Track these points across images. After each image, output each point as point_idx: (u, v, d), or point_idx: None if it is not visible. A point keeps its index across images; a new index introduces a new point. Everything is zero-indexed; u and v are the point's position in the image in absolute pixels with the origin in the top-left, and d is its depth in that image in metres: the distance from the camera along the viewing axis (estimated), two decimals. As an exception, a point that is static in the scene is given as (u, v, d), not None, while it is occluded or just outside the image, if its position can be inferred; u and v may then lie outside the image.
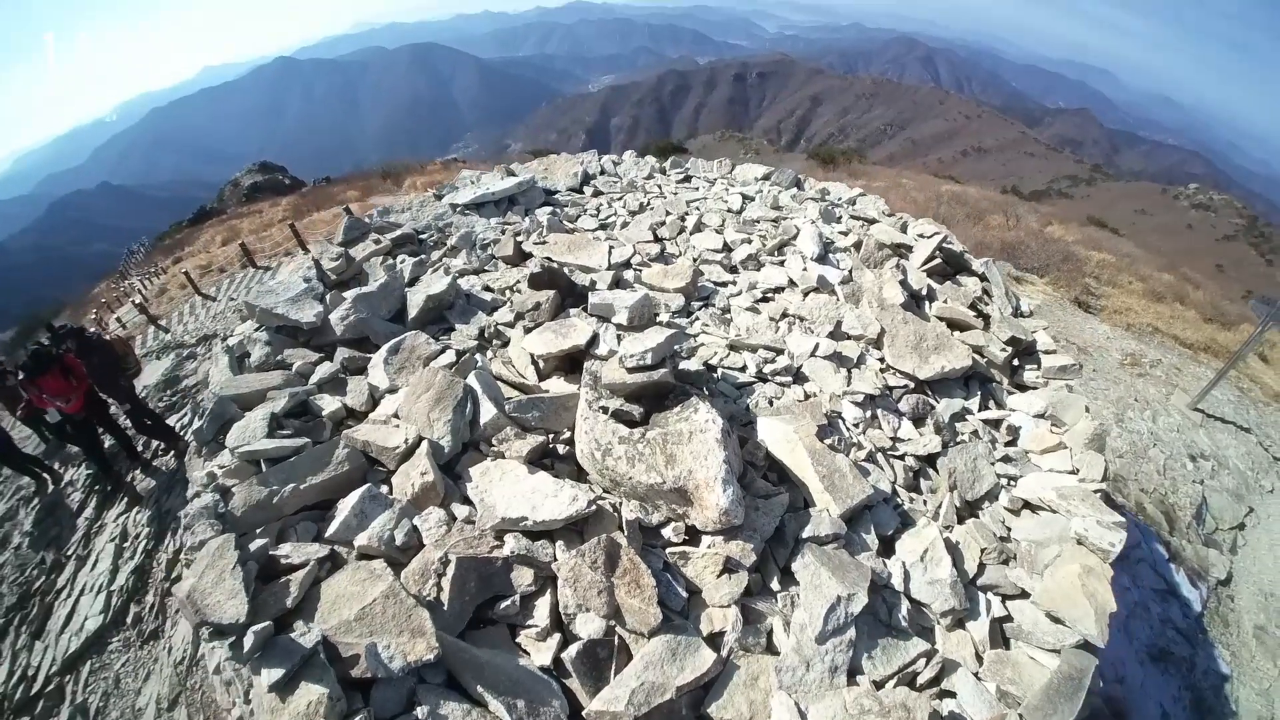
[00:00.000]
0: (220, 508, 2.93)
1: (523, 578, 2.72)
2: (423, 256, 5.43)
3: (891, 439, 3.90)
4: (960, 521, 3.54)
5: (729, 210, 6.45)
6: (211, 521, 2.82)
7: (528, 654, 2.57)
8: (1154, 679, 6.39)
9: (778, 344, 4.36)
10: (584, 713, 2.39)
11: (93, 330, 8.29)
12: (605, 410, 3.11)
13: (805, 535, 2.95)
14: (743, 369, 4.16)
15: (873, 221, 6.58)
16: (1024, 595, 3.15)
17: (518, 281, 4.83)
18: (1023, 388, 4.82)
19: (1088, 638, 2.84)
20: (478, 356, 3.95)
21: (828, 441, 3.50)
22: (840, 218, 6.61)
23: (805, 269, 5.24)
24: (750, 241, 5.78)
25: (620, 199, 6.71)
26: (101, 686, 6.11)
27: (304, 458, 3.15)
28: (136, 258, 28.26)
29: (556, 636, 2.59)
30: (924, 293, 5.30)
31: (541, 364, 3.79)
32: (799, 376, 4.22)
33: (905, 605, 2.92)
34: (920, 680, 2.65)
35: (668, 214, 6.21)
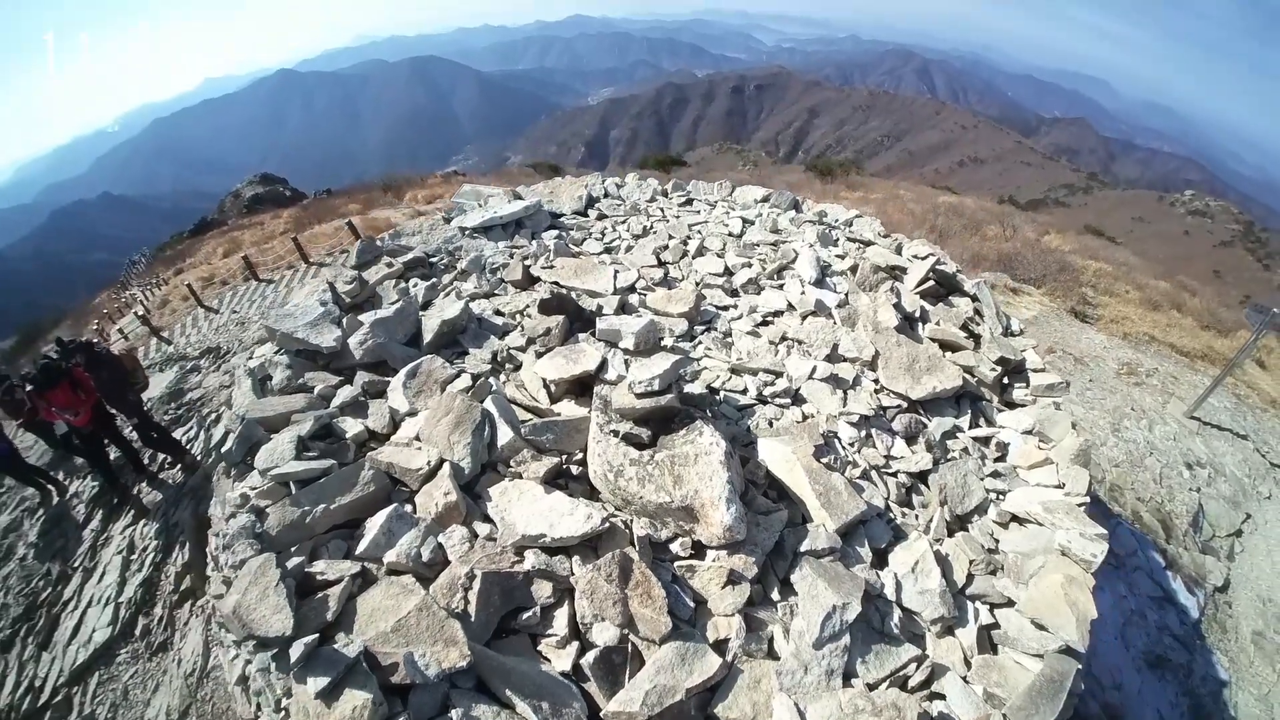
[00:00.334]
0: (256, 528, 3.14)
1: (543, 590, 2.94)
2: (434, 280, 5.65)
3: (885, 457, 4.12)
4: (950, 534, 3.75)
5: (729, 234, 6.68)
6: (250, 541, 3.03)
7: (548, 660, 2.78)
8: (1151, 686, 6.46)
9: (777, 367, 4.58)
10: (601, 714, 2.60)
11: (101, 345, 8.43)
12: (616, 434, 3.33)
13: (803, 549, 3.16)
14: (744, 391, 4.37)
15: (869, 243, 6.81)
16: (1010, 604, 3.35)
17: (527, 306, 5.06)
18: (1012, 405, 5.02)
19: (1069, 643, 3.03)
20: (492, 380, 4.16)
21: (824, 460, 3.72)
22: (837, 240, 6.85)
23: (803, 293, 5.47)
24: (750, 265, 6.02)
25: (624, 222, 6.95)
26: (110, 698, 6.22)
27: (332, 479, 3.35)
28: (138, 268, 28.31)
29: (575, 644, 2.80)
30: (917, 315, 5.54)
31: (553, 388, 4.01)
32: (797, 398, 4.44)
33: (897, 613, 3.13)
34: (911, 683, 2.86)
35: (670, 238, 6.44)
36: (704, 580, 3.00)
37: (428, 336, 4.61)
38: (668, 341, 4.79)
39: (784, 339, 5.02)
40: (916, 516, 3.84)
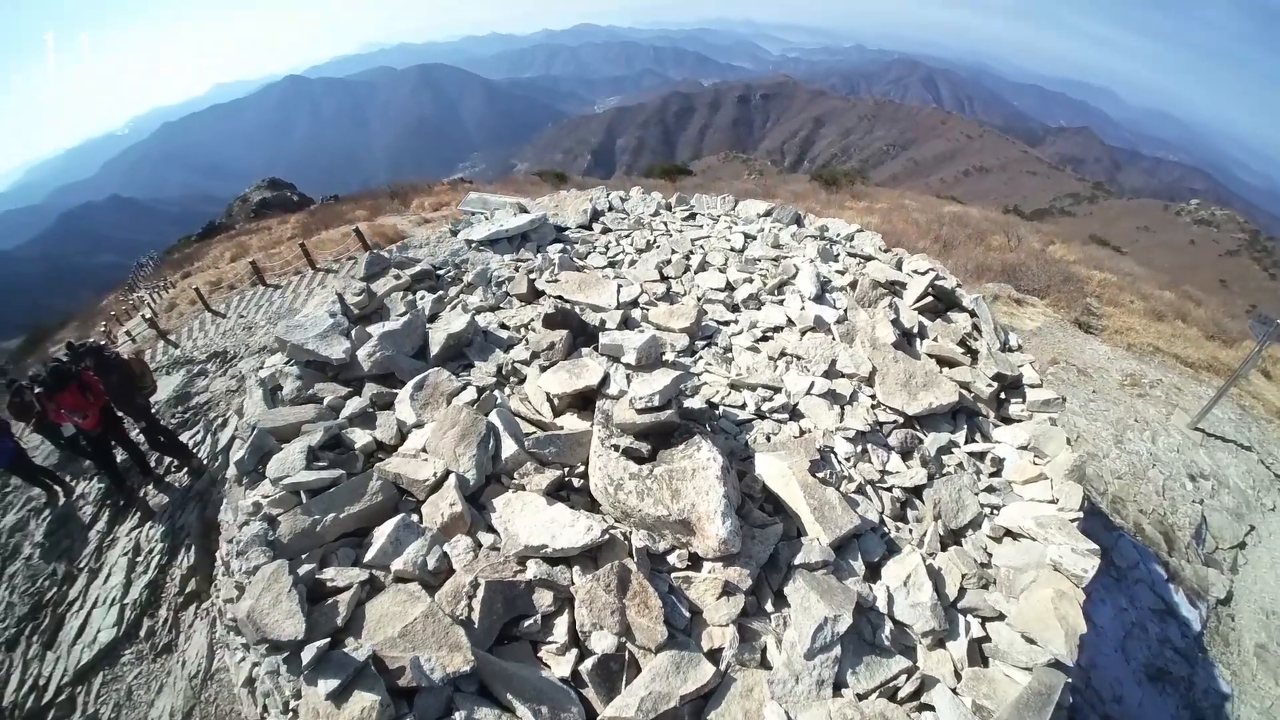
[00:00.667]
0: (269, 535, 3.25)
1: (543, 599, 3.04)
2: (441, 293, 5.77)
3: (880, 472, 4.22)
4: (944, 549, 3.83)
5: (731, 249, 6.80)
6: (263, 548, 3.14)
7: (548, 667, 2.88)
8: (1152, 698, 6.45)
9: (775, 383, 4.68)
10: (598, 718, 2.70)
11: (111, 349, 8.55)
12: (617, 448, 3.44)
13: (797, 562, 3.26)
14: (742, 407, 4.48)
15: (869, 259, 6.91)
16: (1001, 617, 3.42)
17: (532, 319, 5.18)
18: (1009, 420, 5.10)
19: (1058, 657, 3.10)
20: (497, 393, 4.28)
21: (820, 475, 3.81)
22: (838, 255, 6.95)
23: (803, 308, 5.58)
24: (751, 281, 6.13)
25: (628, 236, 7.08)
26: (113, 698, 6.29)
27: (342, 489, 3.47)
28: (145, 271, 28.44)
29: (574, 651, 2.91)
30: (915, 330, 5.63)
31: (556, 401, 4.12)
32: (795, 414, 4.54)
33: (889, 626, 3.22)
34: (901, 694, 2.94)
35: (673, 252, 6.57)
36: (700, 591, 3.10)
37: (434, 349, 4.73)
38: (669, 356, 4.89)
39: (783, 354, 5.13)
40: (910, 531, 3.93)
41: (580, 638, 2.95)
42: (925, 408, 4.65)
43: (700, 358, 5.03)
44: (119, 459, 8.06)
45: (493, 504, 3.48)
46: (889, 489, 4.13)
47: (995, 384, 5.10)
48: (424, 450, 3.74)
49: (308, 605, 2.87)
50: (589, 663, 2.81)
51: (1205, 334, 13.88)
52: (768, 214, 8.11)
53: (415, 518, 3.42)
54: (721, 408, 4.47)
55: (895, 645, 3.19)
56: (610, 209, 7.98)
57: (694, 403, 4.40)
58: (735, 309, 5.84)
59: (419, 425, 3.99)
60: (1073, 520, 3.96)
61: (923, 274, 6.42)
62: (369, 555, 3.19)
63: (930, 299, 6.04)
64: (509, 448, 3.65)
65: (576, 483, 3.67)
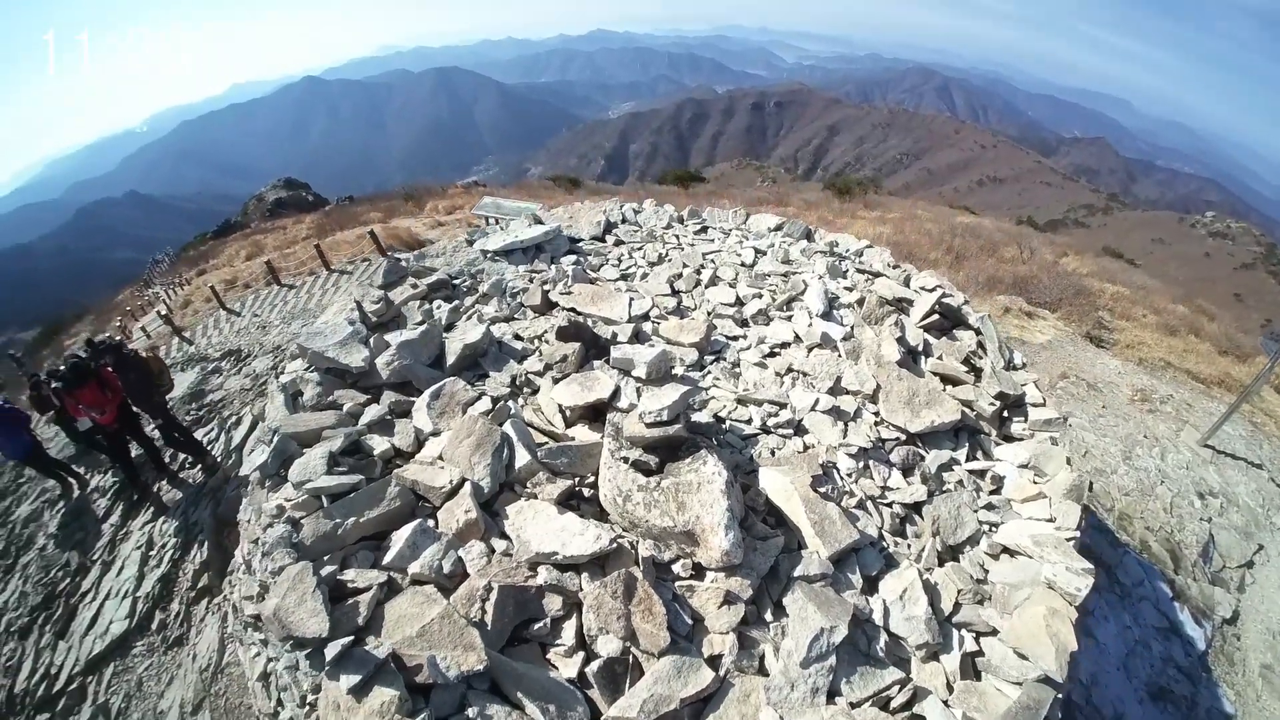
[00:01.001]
0: (292, 537, 3.41)
1: (553, 604, 3.19)
2: (457, 303, 5.93)
3: (881, 488, 4.32)
4: (941, 564, 3.94)
5: (742, 264, 6.93)
6: (288, 550, 3.30)
7: (556, 668, 3.03)
8: (1153, 717, 6.43)
9: (781, 399, 4.80)
10: (602, 718, 2.84)
11: (129, 348, 8.75)
12: (626, 460, 3.58)
13: (796, 574, 3.38)
14: (749, 421, 4.60)
15: (878, 275, 7.00)
16: (995, 633, 3.52)
17: (545, 331, 5.33)
18: (1010, 439, 5.19)
19: (1048, 673, 3.19)
20: (511, 404, 4.43)
21: (822, 490, 3.93)
22: (847, 271, 7.06)
23: (810, 325, 5.69)
24: (761, 296, 6.26)
25: (640, 249, 7.22)
26: (124, 688, 6.43)
27: (361, 494, 3.62)
28: (161, 267, 28.87)
29: (581, 654, 3.05)
30: (920, 348, 5.73)
31: (568, 413, 4.27)
32: (799, 429, 4.66)
33: (884, 638, 3.33)
34: (893, 704, 3.05)
35: (685, 266, 6.71)
36: (702, 599, 3.23)
37: (450, 359, 4.88)
38: (678, 370, 5.03)
39: (790, 370, 5.25)
40: (909, 546, 4.03)
41: (587, 641, 3.10)
42: (927, 425, 4.76)
43: (709, 372, 5.15)
44: (134, 454, 8.25)
45: (506, 511, 3.62)
46: (889, 505, 4.23)
47: (998, 403, 5.18)
48: (440, 458, 3.89)
49: (330, 605, 3.03)
50: (595, 665, 2.96)
51: (1218, 349, 13.70)
52: (778, 228, 8.23)
53: (431, 523, 3.57)
54: (728, 422, 4.59)
55: (889, 657, 3.30)
56: (624, 221, 8.13)
57: (702, 416, 4.53)
58: (744, 324, 5.96)
59: (435, 433, 4.15)
60: (1069, 539, 4.04)
61: (930, 291, 6.52)
62: (387, 558, 3.34)
63: (936, 316, 6.13)
64: (522, 458, 3.80)
65: (587, 493, 3.81)
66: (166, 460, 8.62)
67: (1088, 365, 11.55)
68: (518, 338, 5.38)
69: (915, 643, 3.34)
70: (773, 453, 4.38)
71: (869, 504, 4.15)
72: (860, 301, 6.32)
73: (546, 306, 5.86)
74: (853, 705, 2.98)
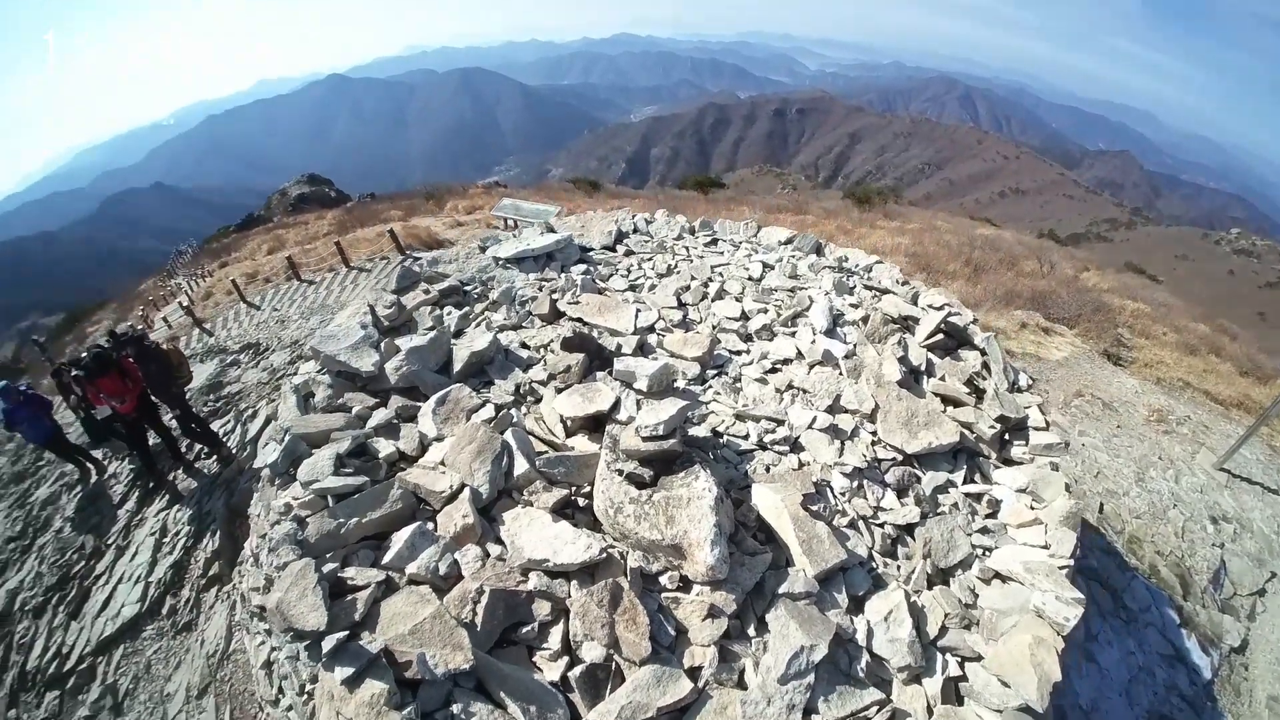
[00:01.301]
0: (298, 535, 3.54)
1: (541, 609, 3.30)
2: (467, 309, 6.06)
3: (874, 508, 4.36)
4: (930, 587, 3.96)
5: (749, 278, 6.99)
6: (292, 546, 3.44)
7: (540, 671, 3.14)
8: None
9: (779, 415, 4.86)
10: None
11: (151, 340, 8.95)
12: (620, 472, 3.67)
13: (781, 591, 3.44)
14: (746, 437, 4.66)
15: (885, 291, 7.02)
16: (980, 659, 3.54)
17: (551, 341, 5.44)
18: (1010, 462, 5.16)
19: (1029, 703, 3.21)
20: (513, 412, 4.55)
21: (814, 508, 3.99)
22: (854, 288, 7.09)
23: (813, 341, 5.75)
24: (766, 311, 6.32)
25: (650, 260, 7.32)
26: (132, 670, 6.57)
27: (365, 495, 3.75)
28: (184, 258, 29.23)
29: (565, 658, 3.15)
30: (923, 368, 5.74)
31: (569, 423, 4.38)
32: (796, 446, 4.71)
33: (866, 659, 3.38)
34: (871, 726, 3.11)
35: (693, 279, 6.79)
36: (687, 612, 3.31)
37: (457, 365, 5.01)
38: (680, 384, 5.11)
39: (790, 387, 5.30)
40: (899, 567, 4.07)
41: (572, 646, 3.20)
42: (924, 447, 4.78)
43: (710, 386, 5.23)
44: (152, 443, 8.44)
45: (502, 517, 3.74)
46: (881, 525, 4.27)
47: (998, 425, 5.16)
48: (442, 463, 4.01)
49: (330, 600, 3.16)
50: (578, 670, 3.05)
51: (1239, 370, 13.37)
52: (788, 242, 8.28)
53: (431, 526, 3.70)
54: (726, 437, 4.66)
55: (870, 678, 3.35)
56: (635, 230, 8.23)
57: (700, 430, 4.61)
58: (748, 339, 6.02)
59: (439, 439, 4.28)
60: (1062, 568, 4.03)
61: (937, 309, 6.50)
62: (387, 558, 3.47)
63: (941, 335, 6.11)
64: (521, 466, 3.91)
65: (581, 502, 3.92)
66: (183, 450, 8.81)
67: (1104, 383, 11.36)
68: (524, 346, 5.50)
69: (897, 665, 3.38)
70: (768, 469, 4.44)
71: (860, 524, 4.20)
72: (865, 319, 6.35)
73: (554, 315, 5.97)
74: (828, 723, 3.04)
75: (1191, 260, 74.65)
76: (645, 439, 3.75)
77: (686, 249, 7.72)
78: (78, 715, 6.44)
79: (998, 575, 4.09)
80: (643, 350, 5.52)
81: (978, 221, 36.24)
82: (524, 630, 3.23)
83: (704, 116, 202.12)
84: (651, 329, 5.89)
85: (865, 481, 4.53)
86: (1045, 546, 4.25)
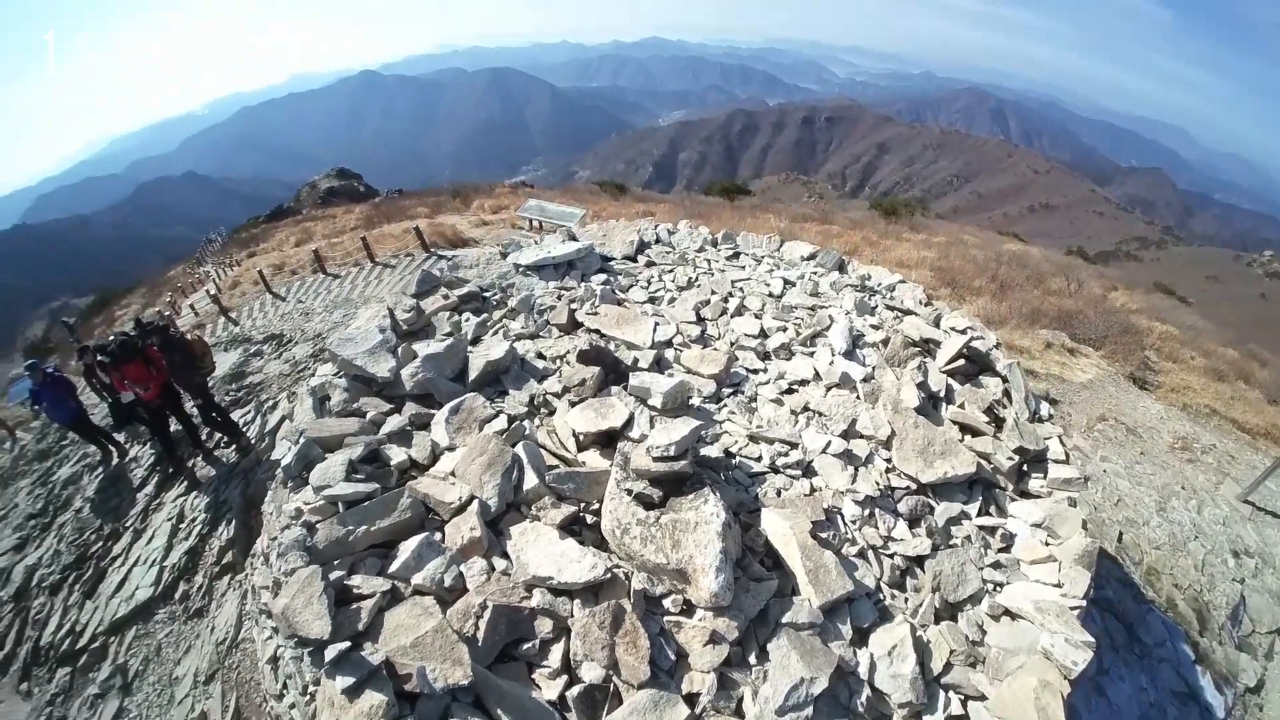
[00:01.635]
0: (307, 541, 3.58)
1: (543, 626, 3.30)
2: (485, 316, 6.08)
3: (884, 538, 4.30)
4: (937, 621, 3.90)
5: (770, 294, 6.93)
6: (301, 553, 3.48)
7: (539, 689, 3.13)
8: None
9: (793, 438, 4.82)
10: None
11: (176, 330, 9.13)
12: (630, 492, 3.67)
13: (785, 620, 3.41)
14: (758, 459, 4.62)
15: (908, 312, 6.91)
16: (984, 698, 3.48)
17: (568, 352, 5.44)
18: (1027, 495, 5.04)
19: (1031, 748, 3.17)
20: (526, 424, 4.56)
21: (824, 535, 3.96)
22: (875, 307, 7.00)
23: (832, 363, 5.69)
24: (785, 329, 6.26)
25: (671, 271, 7.29)
26: (143, 652, 6.73)
27: (375, 503, 3.78)
28: (213, 246, 29.84)
29: (564, 678, 3.15)
30: (942, 394, 5.64)
31: (581, 438, 4.38)
32: (809, 470, 4.66)
33: (866, 693, 3.33)
34: (869, 762, 3.07)
35: (713, 293, 6.76)
36: (688, 636, 3.29)
37: (473, 374, 5.02)
38: (695, 401, 5.08)
39: (805, 409, 5.25)
40: (907, 600, 4.02)
41: (572, 666, 3.19)
42: (940, 477, 4.70)
43: (725, 405, 5.19)
44: (173, 430, 8.63)
45: (510, 531, 3.75)
46: (891, 555, 4.21)
47: (1016, 457, 5.05)
48: (453, 474, 4.03)
49: (334, 608, 3.19)
50: (576, 690, 3.05)
51: (1268, 398, 13.02)
52: (811, 257, 8.21)
53: (438, 537, 3.71)
54: (738, 458, 4.62)
55: (870, 713, 3.30)
56: (657, 241, 8.22)
57: (712, 450, 4.58)
58: (766, 357, 5.97)
59: (451, 448, 4.30)
60: (1074, 609, 3.93)
61: (960, 332, 6.37)
62: (393, 567, 3.49)
63: (963, 360, 6.00)
64: (530, 480, 3.92)
65: (590, 519, 3.91)
66: (203, 438, 9.00)
67: (1129, 408, 11.12)
68: (541, 356, 5.51)
69: (898, 700, 3.33)
70: (779, 493, 4.40)
71: (870, 553, 4.15)
72: (885, 341, 6.28)
73: (572, 326, 5.98)
74: (826, 760, 3.00)
75: (1222, 282, 72.80)
76: (656, 459, 3.74)
77: (708, 261, 7.69)
78: (87, 692, 6.59)
79: (1007, 612, 4.00)
80: (659, 365, 5.50)
81: (1005, 236, 35.74)
82: (525, 647, 3.23)
83: (732, 122, 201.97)
84: (669, 343, 5.87)
85: (877, 510, 4.47)
86: (1058, 585, 4.14)
